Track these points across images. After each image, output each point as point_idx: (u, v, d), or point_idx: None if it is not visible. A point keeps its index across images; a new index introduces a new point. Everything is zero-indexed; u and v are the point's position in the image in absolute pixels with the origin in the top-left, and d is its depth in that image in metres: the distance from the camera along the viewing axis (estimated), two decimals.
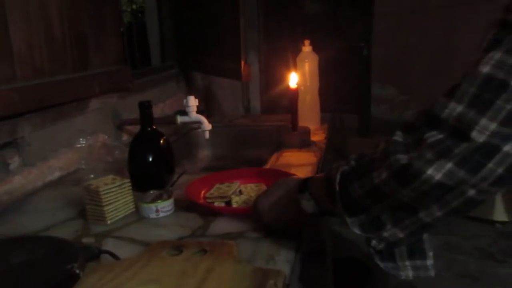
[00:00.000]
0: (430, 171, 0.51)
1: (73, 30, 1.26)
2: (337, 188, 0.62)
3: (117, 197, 0.90)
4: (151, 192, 0.93)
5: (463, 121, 0.50)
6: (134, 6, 4.02)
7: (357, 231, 0.62)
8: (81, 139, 1.22)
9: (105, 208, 0.88)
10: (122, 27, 1.57)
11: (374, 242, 0.62)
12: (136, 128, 1.20)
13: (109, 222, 0.88)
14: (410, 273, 0.63)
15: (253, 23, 3.37)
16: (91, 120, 1.34)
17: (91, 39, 1.35)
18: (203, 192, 0.99)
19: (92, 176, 0.99)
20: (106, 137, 1.30)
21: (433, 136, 0.52)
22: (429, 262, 0.64)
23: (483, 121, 0.49)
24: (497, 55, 0.51)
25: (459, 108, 0.51)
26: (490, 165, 0.49)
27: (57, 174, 1.18)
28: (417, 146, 0.53)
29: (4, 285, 0.64)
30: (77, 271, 0.64)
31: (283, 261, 0.70)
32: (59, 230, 0.87)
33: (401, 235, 0.59)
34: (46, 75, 1.15)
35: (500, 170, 0.49)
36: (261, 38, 3.53)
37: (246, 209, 0.87)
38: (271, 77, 3.52)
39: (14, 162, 1.07)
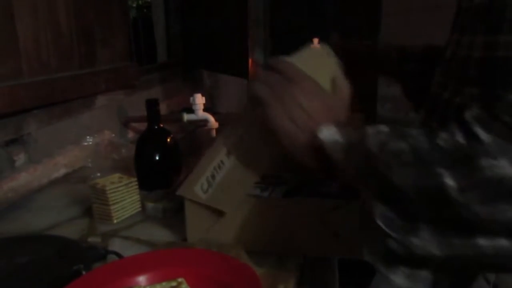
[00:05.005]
0: None
1: (80, 26, 1.25)
2: (384, 169, 0.48)
3: (123, 196, 0.89)
4: (158, 191, 0.92)
5: None
6: (140, 2, 4.02)
7: (379, 221, 0.48)
8: (88, 137, 1.21)
9: (112, 207, 0.87)
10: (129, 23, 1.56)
11: (393, 244, 0.48)
12: (141, 126, 1.19)
13: (115, 221, 0.87)
14: (401, 280, 0.51)
15: (259, 20, 3.35)
16: (97, 117, 1.34)
17: (98, 35, 1.34)
18: None
19: (98, 174, 0.98)
20: (113, 135, 1.29)
21: None
22: (429, 276, 0.51)
23: None
24: None
25: None
26: None
27: (62, 171, 1.17)
28: None
29: (10, 285, 0.63)
30: (83, 272, 0.64)
31: (293, 265, 0.69)
32: (65, 228, 0.86)
33: (435, 252, 0.45)
34: (53, 71, 1.14)
35: None
36: (267, 36, 3.52)
37: None
38: None
39: (20, 158, 1.06)
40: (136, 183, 0.92)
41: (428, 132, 0.47)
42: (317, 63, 0.70)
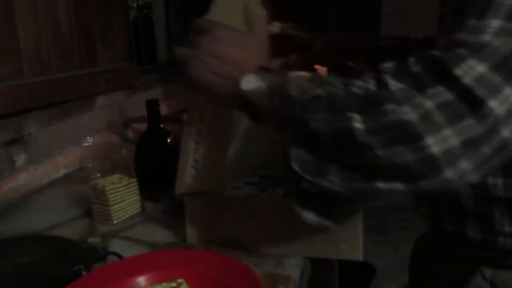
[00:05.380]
0: (430, 140, 0.42)
1: (81, 27, 1.25)
2: (302, 113, 0.50)
3: (123, 196, 0.89)
4: (158, 191, 0.92)
5: (483, 85, 0.42)
6: (140, 2, 4.01)
7: (295, 166, 0.50)
8: (88, 137, 1.21)
9: (112, 208, 0.87)
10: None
11: (306, 185, 0.50)
12: (141, 126, 1.19)
13: (115, 221, 0.87)
14: (312, 217, 0.54)
15: None
16: (97, 118, 1.34)
17: (98, 36, 1.34)
18: None
19: (98, 175, 0.98)
20: (114, 135, 1.29)
21: (440, 94, 0.43)
22: (335, 213, 0.55)
23: (508, 91, 0.42)
24: None
25: (481, 68, 0.42)
26: (488, 151, 0.43)
27: (63, 171, 1.17)
28: (419, 101, 0.43)
29: (10, 285, 0.64)
30: (84, 273, 0.64)
31: (293, 265, 0.69)
32: (65, 229, 0.86)
33: (341, 190, 0.50)
34: (53, 72, 1.14)
35: (488, 151, 0.43)
36: None
37: None
38: None
39: (20, 159, 1.06)
40: (136, 183, 0.92)
41: (346, 80, 0.50)
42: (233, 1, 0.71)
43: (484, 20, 0.44)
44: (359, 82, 0.49)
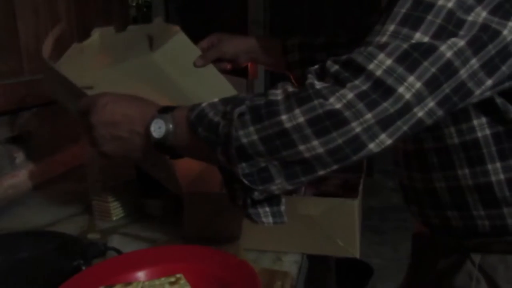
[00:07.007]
0: (355, 123, 0.50)
1: (81, 25, 1.26)
2: (234, 132, 0.53)
3: (123, 193, 0.90)
4: (157, 188, 0.93)
5: (391, 76, 0.50)
6: (139, 1, 4.02)
7: (244, 180, 0.54)
8: None
9: (111, 205, 0.87)
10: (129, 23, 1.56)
11: (257, 194, 0.55)
12: None
13: (114, 218, 0.88)
14: (270, 220, 0.59)
15: (259, 20, 3.36)
16: None
17: None
18: None
19: (98, 171, 0.98)
20: None
21: (358, 86, 0.50)
22: (283, 207, 0.60)
23: (411, 79, 0.50)
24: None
25: (389, 62, 0.50)
26: (405, 128, 0.51)
27: (62, 169, 1.18)
28: (342, 93, 0.50)
29: (12, 280, 0.64)
30: (83, 268, 0.64)
31: (290, 262, 0.70)
32: (65, 225, 0.87)
33: (289, 187, 0.55)
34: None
35: (405, 128, 0.51)
36: (267, 35, 3.52)
37: None
38: (277, 75, 3.51)
39: (20, 156, 1.06)
40: (136, 180, 0.92)
41: (261, 93, 0.56)
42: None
43: (384, 25, 0.53)
44: (274, 91, 0.55)
